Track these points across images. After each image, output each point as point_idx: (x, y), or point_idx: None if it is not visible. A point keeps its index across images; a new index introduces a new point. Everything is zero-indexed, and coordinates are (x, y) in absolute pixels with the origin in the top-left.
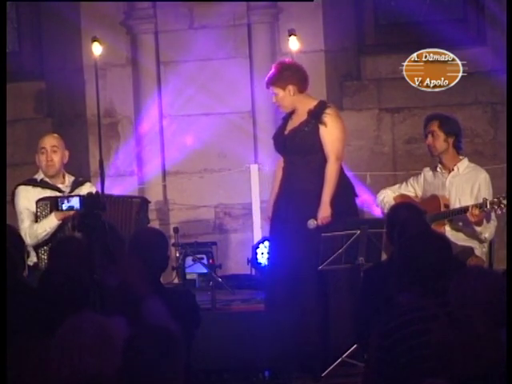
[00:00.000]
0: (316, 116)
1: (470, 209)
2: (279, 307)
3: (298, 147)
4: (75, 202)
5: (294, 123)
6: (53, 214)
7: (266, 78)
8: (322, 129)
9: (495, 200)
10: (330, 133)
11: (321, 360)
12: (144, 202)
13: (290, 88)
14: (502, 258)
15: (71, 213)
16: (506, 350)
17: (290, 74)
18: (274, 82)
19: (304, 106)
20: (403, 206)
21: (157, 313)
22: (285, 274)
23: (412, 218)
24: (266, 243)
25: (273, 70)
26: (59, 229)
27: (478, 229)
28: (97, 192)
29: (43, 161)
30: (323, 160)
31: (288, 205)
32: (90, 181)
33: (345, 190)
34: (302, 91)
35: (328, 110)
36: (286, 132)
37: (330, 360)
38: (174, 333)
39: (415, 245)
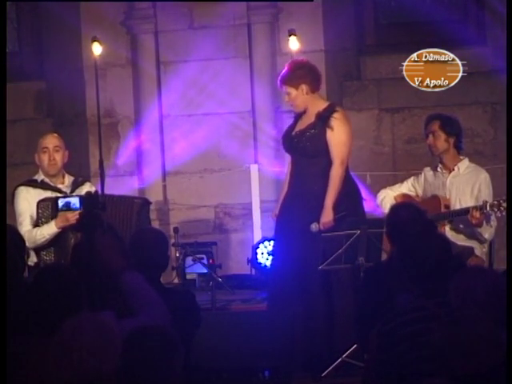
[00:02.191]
0: (323, 119)
1: (470, 211)
2: (281, 307)
3: (304, 149)
4: (75, 202)
5: (302, 124)
6: (53, 221)
7: (279, 77)
8: (328, 132)
9: (495, 203)
10: (336, 137)
11: (321, 360)
12: (145, 203)
13: (303, 87)
14: (502, 258)
15: (71, 219)
16: (506, 350)
17: (303, 73)
18: (286, 81)
19: (314, 107)
20: (403, 206)
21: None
22: (288, 274)
23: (412, 218)
24: (266, 243)
25: (286, 68)
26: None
27: (478, 229)
28: (96, 191)
29: (45, 160)
30: (329, 163)
31: (293, 205)
32: (89, 181)
33: (352, 193)
34: (314, 91)
35: (336, 114)
36: (294, 133)
37: (330, 360)
38: (172, 332)
39: (415, 245)
